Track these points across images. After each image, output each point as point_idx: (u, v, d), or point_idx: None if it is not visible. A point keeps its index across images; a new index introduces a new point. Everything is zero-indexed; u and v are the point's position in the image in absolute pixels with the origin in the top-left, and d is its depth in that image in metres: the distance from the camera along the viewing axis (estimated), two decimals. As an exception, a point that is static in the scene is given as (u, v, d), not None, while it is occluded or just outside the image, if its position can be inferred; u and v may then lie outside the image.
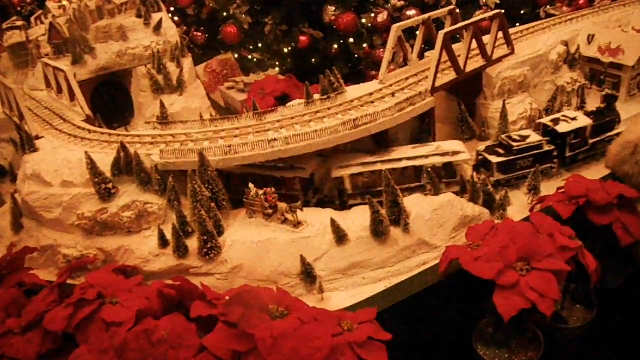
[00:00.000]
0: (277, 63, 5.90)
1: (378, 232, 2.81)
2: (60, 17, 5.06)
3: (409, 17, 5.32)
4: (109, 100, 4.73)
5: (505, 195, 3.14)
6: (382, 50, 5.54)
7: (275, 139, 3.04)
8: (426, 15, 3.95)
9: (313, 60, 5.85)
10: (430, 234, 2.90)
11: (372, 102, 3.43)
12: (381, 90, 3.58)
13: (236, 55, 6.02)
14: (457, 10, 4.07)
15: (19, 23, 5.41)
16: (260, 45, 5.97)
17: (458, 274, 2.49)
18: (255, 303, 2.20)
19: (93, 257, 2.97)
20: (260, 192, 2.92)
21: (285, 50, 5.86)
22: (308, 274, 2.74)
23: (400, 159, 3.26)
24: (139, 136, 3.33)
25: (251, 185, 2.95)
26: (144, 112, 4.59)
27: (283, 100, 4.64)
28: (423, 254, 2.89)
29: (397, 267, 2.84)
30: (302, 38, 5.69)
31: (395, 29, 3.75)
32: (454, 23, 3.98)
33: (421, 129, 3.63)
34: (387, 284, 2.79)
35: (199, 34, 6.28)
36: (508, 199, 3.17)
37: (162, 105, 4.10)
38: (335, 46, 5.77)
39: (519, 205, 3.26)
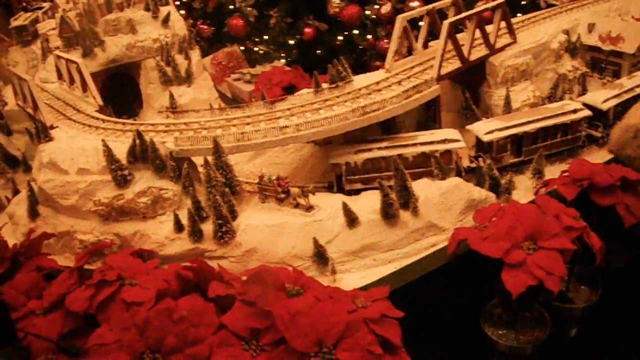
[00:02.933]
0: (283, 55, 5.98)
1: (388, 215, 2.88)
2: (70, 11, 5.13)
3: (412, 8, 5.37)
4: (118, 92, 4.79)
5: (510, 179, 3.21)
6: (385, 41, 5.61)
7: (286, 126, 3.12)
8: (430, 6, 4.01)
9: (318, 51, 5.92)
10: (439, 217, 2.97)
11: (380, 90, 3.50)
12: (388, 78, 3.66)
13: (242, 48, 6.09)
14: (461, 0, 4.14)
15: (45, 5, 5.59)
16: (265, 37, 6.04)
17: (466, 256, 2.56)
18: (272, 282, 2.27)
19: (110, 241, 3.04)
20: (273, 177, 2.99)
21: (291, 42, 5.94)
22: (320, 256, 2.81)
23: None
24: (152, 125, 3.41)
25: (264, 171, 3.03)
26: (153, 103, 4.67)
27: (289, 90, 4.71)
28: (432, 236, 2.95)
29: (407, 249, 2.91)
30: (307, 30, 5.77)
31: (401, 19, 3.82)
32: (457, 13, 4.04)
33: (427, 116, 3.70)
34: (397, 265, 2.86)
35: (205, 26, 6.34)
36: (513, 183, 3.24)
37: (172, 96, 4.18)
38: (340, 37, 5.84)
39: (523, 189, 3.32)
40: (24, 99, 3.93)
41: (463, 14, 3.86)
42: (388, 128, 3.47)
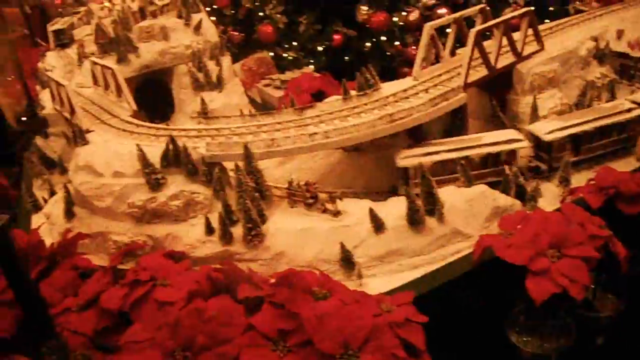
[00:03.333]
0: (312, 61, 6.03)
1: (414, 221, 2.92)
2: (106, 18, 5.26)
3: (440, 16, 5.41)
4: (151, 97, 4.89)
5: (536, 186, 3.24)
6: (413, 47, 5.65)
7: (316, 133, 3.18)
8: (457, 14, 4.05)
9: (346, 57, 5.97)
10: (464, 224, 3.00)
11: (407, 98, 3.54)
12: (415, 86, 3.69)
13: (272, 54, 6.17)
14: (488, 9, 4.17)
15: (81, 10, 5.75)
16: (295, 43, 6.12)
17: (491, 262, 2.60)
18: (300, 285, 2.34)
19: (143, 243, 3.13)
20: (302, 182, 3.06)
21: (320, 48, 6.00)
22: (347, 260, 2.86)
23: None
24: (185, 130, 3.49)
25: (293, 177, 3.09)
26: (185, 109, 4.77)
27: (319, 96, 4.76)
28: (457, 243, 2.98)
29: (432, 255, 2.94)
30: (336, 37, 5.82)
31: (428, 28, 3.85)
32: (484, 21, 4.07)
33: (454, 124, 3.73)
34: (423, 271, 2.89)
35: (236, 33, 6.43)
36: (539, 190, 3.26)
37: (203, 101, 4.27)
38: (368, 44, 5.88)
39: (549, 196, 3.33)
40: (61, 103, 4.05)
41: (490, 22, 3.88)
42: (416, 135, 3.51)
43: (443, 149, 3.36)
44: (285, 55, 6.19)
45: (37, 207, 3.87)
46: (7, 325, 2.54)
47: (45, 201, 3.86)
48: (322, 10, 5.88)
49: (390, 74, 5.47)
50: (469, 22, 4.15)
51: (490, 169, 3.33)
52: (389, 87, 3.75)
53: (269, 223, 3.03)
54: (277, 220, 3.06)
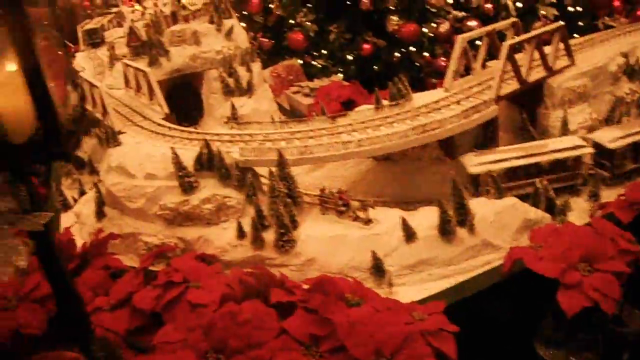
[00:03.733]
0: (341, 70, 6.06)
1: (445, 231, 2.93)
2: (138, 21, 5.33)
3: (470, 28, 5.44)
4: (180, 100, 4.94)
5: (566, 201, 3.24)
6: (442, 59, 5.67)
7: (349, 141, 3.20)
8: (490, 27, 4.07)
9: (375, 67, 5.99)
10: (494, 235, 3.00)
11: (439, 109, 3.56)
12: (447, 98, 3.71)
13: (301, 61, 6.21)
14: (520, 23, 4.19)
15: (113, 10, 5.86)
16: (324, 52, 6.16)
17: (520, 275, 2.61)
18: (333, 291, 2.36)
19: (174, 245, 3.16)
20: (334, 190, 3.08)
21: (349, 57, 6.03)
22: (378, 269, 2.87)
23: None
24: (218, 134, 3.52)
25: (325, 184, 3.12)
26: (214, 113, 4.81)
27: (348, 105, 4.78)
28: (487, 254, 2.98)
29: (463, 265, 2.95)
30: (366, 46, 5.84)
31: (461, 40, 3.88)
32: (515, 34, 4.10)
33: (484, 136, 3.74)
34: (453, 281, 2.90)
35: (266, 39, 6.48)
36: (569, 204, 3.26)
37: (233, 107, 4.31)
38: (397, 54, 5.90)
39: (578, 211, 3.33)
40: (93, 103, 4.11)
41: (523, 36, 3.90)
42: (447, 147, 3.52)
43: (511, 156, 3.40)
44: (314, 63, 6.23)
45: (67, 206, 3.92)
46: (38, 322, 2.59)
47: (75, 200, 3.91)
48: (353, 20, 5.91)
49: (418, 84, 5.50)
50: (500, 35, 4.17)
51: (560, 174, 3.40)
52: (420, 98, 3.76)
53: (301, 229, 3.05)
54: (308, 226, 3.07)
